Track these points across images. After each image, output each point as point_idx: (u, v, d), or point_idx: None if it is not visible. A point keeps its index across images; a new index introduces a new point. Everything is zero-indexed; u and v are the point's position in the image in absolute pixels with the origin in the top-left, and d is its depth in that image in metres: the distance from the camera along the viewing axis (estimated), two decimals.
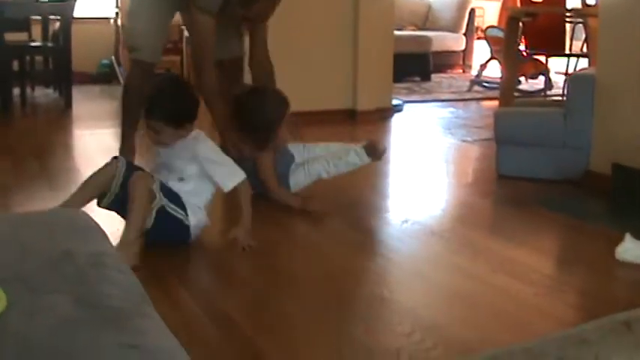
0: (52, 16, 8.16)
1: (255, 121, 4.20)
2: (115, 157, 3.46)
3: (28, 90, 8.06)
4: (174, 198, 3.38)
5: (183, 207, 3.39)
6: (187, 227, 3.39)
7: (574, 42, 8.75)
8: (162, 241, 3.33)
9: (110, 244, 1.80)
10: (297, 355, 2.43)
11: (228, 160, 3.52)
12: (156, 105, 3.42)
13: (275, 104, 4.29)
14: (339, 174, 4.28)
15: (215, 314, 2.73)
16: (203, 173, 3.45)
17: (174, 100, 3.43)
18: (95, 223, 1.88)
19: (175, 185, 3.43)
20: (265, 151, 4.18)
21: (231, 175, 3.45)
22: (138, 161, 4.43)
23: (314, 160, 4.29)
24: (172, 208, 3.36)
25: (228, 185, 3.44)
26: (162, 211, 3.33)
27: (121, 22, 9.18)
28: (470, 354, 2.07)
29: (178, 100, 3.45)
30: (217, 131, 4.41)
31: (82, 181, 3.44)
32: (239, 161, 3.65)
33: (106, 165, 3.38)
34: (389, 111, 7.24)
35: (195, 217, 3.42)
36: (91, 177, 3.39)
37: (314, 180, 4.25)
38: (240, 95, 4.33)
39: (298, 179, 4.25)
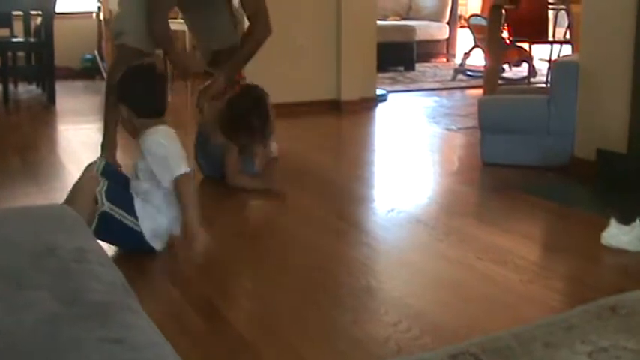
0: (33, 12, 8.12)
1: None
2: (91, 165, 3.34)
3: (11, 86, 8.02)
4: (124, 202, 3.19)
5: (133, 212, 3.19)
6: (139, 234, 3.18)
7: (557, 29, 8.76)
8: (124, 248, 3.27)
9: (93, 238, 1.79)
10: (285, 346, 2.43)
11: (172, 152, 3.23)
12: (127, 90, 3.36)
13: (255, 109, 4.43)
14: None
15: (201, 306, 2.73)
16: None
17: (145, 90, 3.35)
18: (79, 217, 1.87)
19: (134, 186, 3.27)
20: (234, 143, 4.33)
21: (170, 168, 3.18)
22: (122, 156, 4.43)
23: None
24: (118, 213, 3.15)
25: (165, 178, 3.18)
26: (106, 216, 3.12)
27: (104, 16, 9.15)
28: (457, 341, 2.07)
29: (149, 91, 3.36)
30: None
31: (69, 185, 3.39)
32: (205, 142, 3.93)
33: (84, 180, 3.24)
34: (373, 101, 7.24)
35: (152, 223, 3.20)
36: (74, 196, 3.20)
37: None
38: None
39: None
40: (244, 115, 4.33)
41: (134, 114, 3.31)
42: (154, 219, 3.21)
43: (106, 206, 3.13)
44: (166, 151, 3.20)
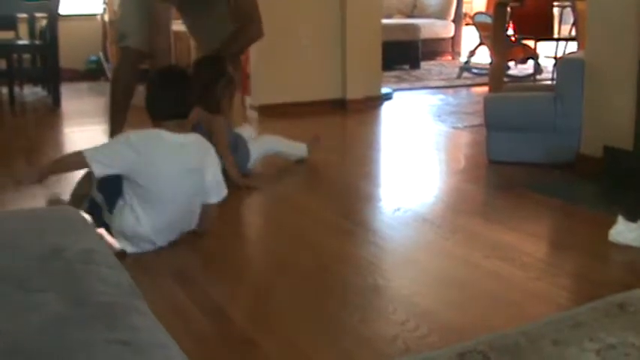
0: (38, 14, 8.12)
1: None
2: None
3: (17, 88, 8.03)
4: (110, 196, 3.27)
5: (112, 207, 3.27)
6: (109, 228, 3.29)
7: (562, 26, 8.74)
8: None
9: (100, 240, 1.78)
10: (292, 346, 2.42)
11: (109, 144, 3.52)
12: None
13: (208, 66, 4.40)
14: (282, 154, 4.83)
15: (208, 307, 2.73)
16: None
17: (148, 95, 3.44)
18: (85, 219, 1.87)
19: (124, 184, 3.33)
20: (216, 114, 4.31)
21: None
22: None
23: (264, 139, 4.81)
24: (101, 201, 3.29)
25: None
26: (93, 201, 3.30)
27: (109, 18, 9.16)
28: (465, 339, 2.06)
29: (150, 95, 3.44)
30: None
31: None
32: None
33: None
34: (379, 99, 7.23)
35: (120, 224, 3.25)
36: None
37: (264, 150, 4.68)
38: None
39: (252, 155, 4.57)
40: (210, 81, 4.34)
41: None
42: (124, 220, 3.24)
43: (94, 192, 3.29)
44: (110, 142, 3.43)
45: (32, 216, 1.90)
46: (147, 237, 3.24)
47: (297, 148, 4.87)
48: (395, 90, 7.94)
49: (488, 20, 8.42)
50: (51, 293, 1.35)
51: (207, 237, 3.46)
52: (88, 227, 1.79)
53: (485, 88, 7.62)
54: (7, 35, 8.08)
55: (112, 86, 4.92)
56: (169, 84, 3.44)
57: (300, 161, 4.84)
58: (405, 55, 10.21)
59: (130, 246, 3.24)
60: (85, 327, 1.24)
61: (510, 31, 8.22)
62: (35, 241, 1.63)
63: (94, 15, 9.73)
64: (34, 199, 3.98)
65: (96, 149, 3.26)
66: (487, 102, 4.96)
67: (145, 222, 3.22)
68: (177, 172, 3.27)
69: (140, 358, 1.17)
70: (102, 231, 3.27)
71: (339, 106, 6.93)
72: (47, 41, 7.58)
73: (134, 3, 4.60)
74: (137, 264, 3.05)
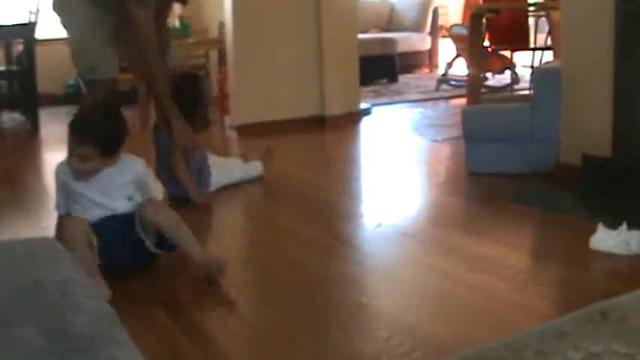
0: (14, 39, 8.09)
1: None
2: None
3: None
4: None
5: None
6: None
7: (538, 35, 8.79)
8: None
9: (79, 270, 1.77)
10: None
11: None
12: (89, 129, 3.30)
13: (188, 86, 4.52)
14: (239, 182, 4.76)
15: (190, 330, 2.72)
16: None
17: (110, 125, 3.30)
18: (63, 249, 1.86)
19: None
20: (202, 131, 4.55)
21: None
22: None
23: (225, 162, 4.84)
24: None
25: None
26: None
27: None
28: (449, 354, 2.06)
29: (113, 125, 3.31)
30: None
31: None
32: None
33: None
34: (357, 115, 7.24)
35: None
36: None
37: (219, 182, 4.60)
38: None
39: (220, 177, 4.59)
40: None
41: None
42: None
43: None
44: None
45: (9, 247, 1.88)
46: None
47: (253, 169, 4.88)
48: (373, 105, 7.95)
49: (465, 32, 8.46)
50: (30, 327, 1.33)
51: (189, 259, 3.45)
52: (66, 257, 1.78)
53: (464, 100, 7.65)
54: None
55: None
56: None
57: (258, 179, 4.86)
58: (383, 69, 10.23)
59: None
60: None
61: (487, 42, 8.27)
62: (13, 273, 1.61)
63: None
64: (15, 228, 3.97)
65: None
66: (465, 114, 4.98)
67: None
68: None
69: None
70: None
71: (318, 122, 6.94)
72: (25, 66, 7.56)
73: (96, 28, 4.41)
74: (119, 291, 3.03)
